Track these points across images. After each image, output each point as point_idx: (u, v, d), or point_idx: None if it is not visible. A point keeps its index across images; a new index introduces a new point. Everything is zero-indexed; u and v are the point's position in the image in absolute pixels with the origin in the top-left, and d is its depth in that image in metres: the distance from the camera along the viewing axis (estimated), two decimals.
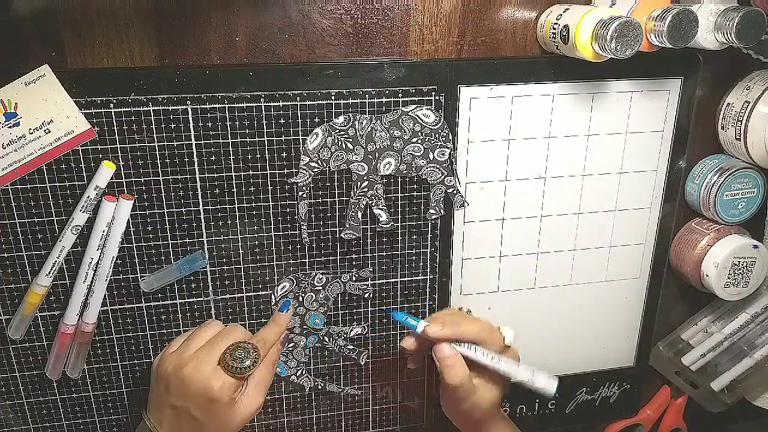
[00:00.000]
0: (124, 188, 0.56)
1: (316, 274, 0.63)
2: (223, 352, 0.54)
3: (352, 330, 0.66)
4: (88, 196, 0.54)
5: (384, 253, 0.64)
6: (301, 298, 0.63)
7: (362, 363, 0.67)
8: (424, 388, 0.71)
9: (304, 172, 0.58)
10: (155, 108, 0.54)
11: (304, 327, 0.64)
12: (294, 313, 0.64)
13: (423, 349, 0.56)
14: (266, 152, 0.57)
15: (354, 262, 0.63)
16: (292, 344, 0.65)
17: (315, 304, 0.64)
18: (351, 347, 0.66)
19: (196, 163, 0.56)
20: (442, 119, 0.59)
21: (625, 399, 0.77)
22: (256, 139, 0.57)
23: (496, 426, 0.59)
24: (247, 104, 0.56)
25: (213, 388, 0.52)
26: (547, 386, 0.55)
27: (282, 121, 0.57)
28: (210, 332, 0.57)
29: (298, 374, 0.66)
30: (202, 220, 0.59)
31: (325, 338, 0.65)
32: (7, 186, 0.54)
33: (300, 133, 0.57)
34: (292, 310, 0.62)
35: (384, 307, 0.65)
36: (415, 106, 0.59)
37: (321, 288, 0.63)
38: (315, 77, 0.56)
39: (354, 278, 0.64)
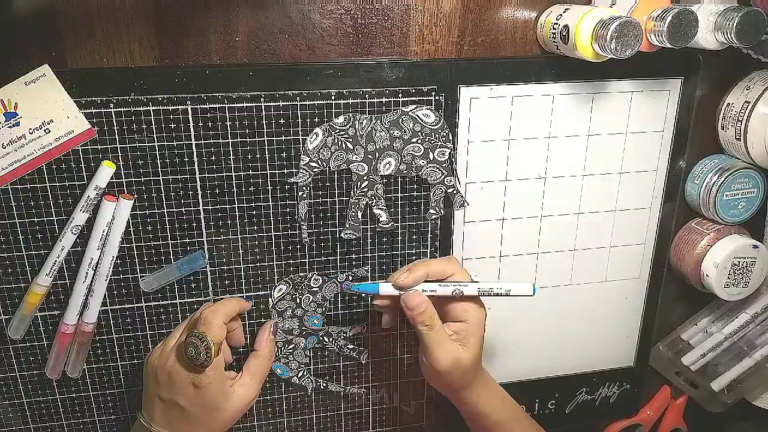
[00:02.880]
0: (124, 188, 0.56)
1: (312, 276, 0.63)
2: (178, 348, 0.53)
3: (351, 330, 0.66)
4: (88, 196, 0.54)
5: (384, 253, 0.64)
6: (298, 300, 0.63)
7: (363, 362, 0.67)
8: (424, 388, 0.71)
9: (304, 172, 0.58)
10: (155, 108, 0.54)
11: (303, 328, 0.64)
12: (292, 315, 0.64)
13: (395, 305, 0.57)
14: (266, 152, 0.57)
15: (354, 262, 0.63)
16: (292, 346, 0.65)
17: (313, 305, 0.64)
18: (351, 347, 0.66)
19: (195, 163, 0.56)
20: (442, 119, 0.59)
21: (625, 399, 0.77)
22: (256, 139, 0.57)
23: (479, 384, 0.59)
24: (247, 104, 0.56)
25: (195, 377, 0.52)
26: (524, 291, 0.55)
27: (282, 121, 0.57)
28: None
29: (299, 375, 0.66)
30: (202, 220, 0.59)
31: (325, 338, 0.65)
32: (7, 186, 0.54)
33: (300, 133, 0.57)
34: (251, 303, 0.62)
35: (343, 288, 0.64)
36: (415, 106, 0.59)
37: (318, 289, 0.63)
38: (315, 77, 0.56)
39: (350, 278, 0.64)
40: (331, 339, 0.65)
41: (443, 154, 0.61)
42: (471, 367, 0.56)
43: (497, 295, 0.56)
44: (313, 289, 0.63)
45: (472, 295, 0.56)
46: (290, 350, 0.65)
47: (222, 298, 0.61)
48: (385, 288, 0.57)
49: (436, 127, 0.59)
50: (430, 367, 0.56)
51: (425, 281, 0.56)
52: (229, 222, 0.59)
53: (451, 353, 0.55)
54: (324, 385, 0.67)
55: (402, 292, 0.56)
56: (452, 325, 0.56)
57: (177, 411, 0.53)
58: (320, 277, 0.63)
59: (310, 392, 0.67)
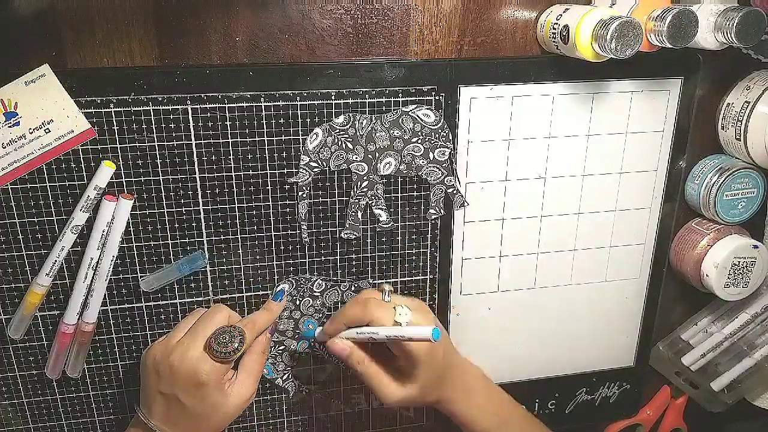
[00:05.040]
0: (124, 188, 0.56)
1: (315, 280, 0.63)
2: (207, 337, 0.54)
3: None
4: (88, 196, 0.54)
5: (384, 253, 0.64)
6: (298, 303, 0.63)
7: (349, 374, 0.67)
8: None
9: (304, 172, 0.58)
10: (155, 108, 0.54)
11: (297, 331, 0.64)
12: (289, 317, 0.63)
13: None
14: (266, 152, 0.57)
15: (354, 262, 0.63)
16: (282, 347, 0.64)
17: (311, 310, 0.64)
18: None
19: (195, 163, 0.56)
20: (442, 119, 0.59)
21: (625, 399, 0.77)
22: (256, 139, 0.57)
23: (451, 400, 0.59)
24: (247, 104, 0.56)
25: (200, 373, 0.52)
26: (424, 335, 0.51)
27: (282, 121, 0.57)
28: (195, 318, 0.57)
29: (284, 378, 0.66)
30: (202, 220, 0.59)
31: (316, 345, 0.65)
32: (7, 186, 0.54)
33: (300, 133, 0.57)
34: (286, 300, 0.62)
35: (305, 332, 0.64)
36: (415, 106, 0.59)
37: (319, 294, 0.63)
38: (315, 77, 0.56)
39: (353, 288, 0.63)
40: (321, 346, 0.65)
41: (443, 154, 0.61)
42: (423, 396, 0.57)
43: (400, 340, 0.53)
44: (315, 293, 0.63)
45: (382, 341, 0.55)
46: (280, 351, 0.65)
47: (263, 305, 0.63)
48: (320, 335, 0.59)
49: (436, 127, 0.59)
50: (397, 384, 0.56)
51: (351, 327, 0.56)
52: (229, 222, 0.59)
53: (392, 390, 0.56)
54: (306, 390, 0.67)
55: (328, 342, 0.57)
56: (396, 360, 0.57)
57: (177, 407, 0.53)
58: (324, 283, 0.63)
59: (291, 396, 0.67)
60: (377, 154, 0.59)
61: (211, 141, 0.56)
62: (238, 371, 0.57)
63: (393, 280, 0.65)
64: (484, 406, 0.60)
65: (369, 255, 0.63)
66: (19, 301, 0.57)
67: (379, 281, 0.64)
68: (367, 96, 0.57)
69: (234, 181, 0.58)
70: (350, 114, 0.58)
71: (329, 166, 0.59)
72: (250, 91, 0.55)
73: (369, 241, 0.63)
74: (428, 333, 0.50)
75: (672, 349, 0.75)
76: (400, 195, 0.62)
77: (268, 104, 0.56)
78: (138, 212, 0.57)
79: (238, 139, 0.56)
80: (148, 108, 0.54)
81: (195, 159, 0.56)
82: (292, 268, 0.62)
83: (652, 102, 0.64)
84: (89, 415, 0.63)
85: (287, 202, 0.59)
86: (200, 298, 0.61)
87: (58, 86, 0.52)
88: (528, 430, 0.63)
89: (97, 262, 0.57)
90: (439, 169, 0.61)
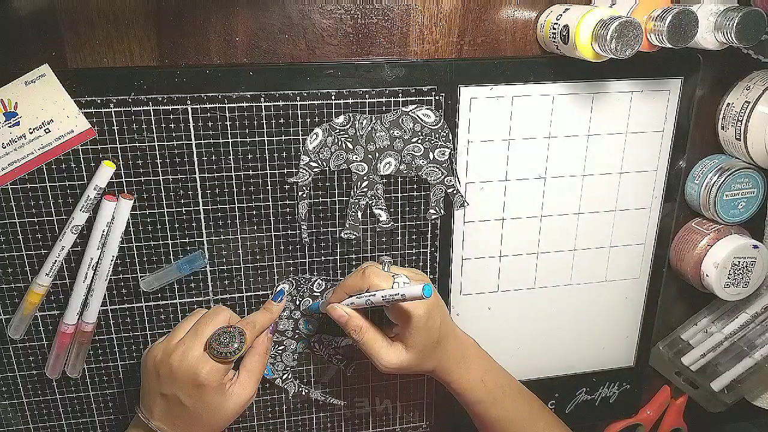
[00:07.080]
0: (124, 188, 0.56)
1: (315, 280, 0.63)
2: (208, 338, 0.54)
3: (342, 340, 0.65)
4: (88, 196, 0.54)
5: (384, 253, 0.64)
6: (298, 303, 0.63)
7: (348, 374, 0.67)
8: (424, 388, 0.71)
9: (304, 172, 0.58)
10: (155, 108, 0.54)
11: (297, 331, 0.64)
12: (289, 317, 0.63)
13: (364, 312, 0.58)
14: (266, 152, 0.57)
15: (354, 262, 0.63)
16: (282, 347, 0.64)
17: (310, 310, 0.64)
18: (339, 357, 0.66)
19: (195, 163, 0.56)
20: (442, 119, 0.59)
21: (625, 399, 0.77)
22: (256, 139, 0.57)
23: (447, 369, 0.59)
24: (247, 104, 0.56)
25: (200, 374, 0.52)
26: (416, 292, 0.51)
27: (282, 121, 0.57)
28: (195, 318, 0.57)
29: (283, 378, 0.66)
30: (202, 220, 0.59)
31: (316, 345, 0.65)
32: (7, 186, 0.54)
33: (300, 133, 0.57)
34: (285, 300, 0.62)
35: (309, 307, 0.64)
36: (415, 106, 0.59)
37: (319, 294, 0.63)
38: (315, 77, 0.56)
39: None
40: (321, 346, 0.65)
41: (443, 154, 0.61)
42: (420, 363, 0.57)
43: (395, 301, 0.53)
44: (315, 293, 0.63)
45: (380, 304, 0.55)
46: (279, 351, 0.65)
47: (263, 305, 0.62)
48: (323, 306, 0.59)
49: (436, 127, 0.59)
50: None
51: (352, 296, 0.56)
52: (229, 222, 0.59)
53: (390, 356, 0.56)
54: (306, 391, 0.67)
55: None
56: (394, 328, 0.58)
57: (179, 408, 0.53)
58: (324, 283, 0.63)
59: (291, 396, 0.67)
60: (377, 154, 0.59)
61: (211, 141, 0.56)
62: (239, 372, 0.57)
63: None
64: (479, 377, 0.60)
65: (369, 255, 0.63)
66: (19, 301, 0.57)
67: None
68: (367, 96, 0.57)
69: (234, 181, 0.58)
70: (350, 114, 0.58)
71: (329, 166, 0.59)
72: (250, 91, 0.55)
73: (369, 241, 0.63)
74: (419, 290, 0.50)
75: (672, 349, 0.75)
76: (400, 195, 0.62)
77: (268, 104, 0.56)
78: (138, 212, 0.57)
79: (238, 139, 0.56)
80: (148, 108, 0.54)
81: (195, 159, 0.56)
82: (292, 268, 0.62)
83: (652, 102, 0.64)
84: (89, 415, 0.63)
85: (287, 202, 0.59)
86: (200, 298, 0.61)
87: (58, 86, 0.52)
88: (522, 403, 0.63)
89: (97, 262, 0.57)
90: (439, 169, 0.61)
